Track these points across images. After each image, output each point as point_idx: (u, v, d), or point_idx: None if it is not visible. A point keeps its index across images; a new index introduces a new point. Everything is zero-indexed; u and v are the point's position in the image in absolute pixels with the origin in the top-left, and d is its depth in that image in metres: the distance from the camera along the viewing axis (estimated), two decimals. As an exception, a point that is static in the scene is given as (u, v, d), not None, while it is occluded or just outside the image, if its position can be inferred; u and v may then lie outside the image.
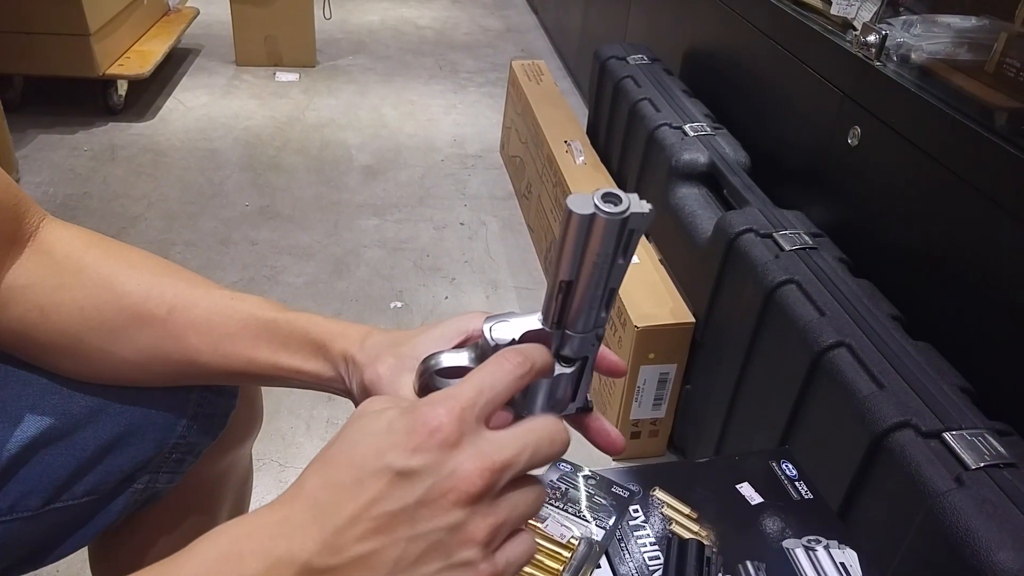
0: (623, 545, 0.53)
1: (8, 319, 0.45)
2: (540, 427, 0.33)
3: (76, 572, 0.96)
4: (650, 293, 1.15)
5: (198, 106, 2.27)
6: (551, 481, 0.54)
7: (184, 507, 0.59)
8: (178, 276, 0.49)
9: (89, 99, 2.15)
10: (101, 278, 0.47)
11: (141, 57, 2.16)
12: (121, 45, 2.14)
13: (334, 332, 0.44)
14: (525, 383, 0.34)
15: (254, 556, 0.29)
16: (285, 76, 2.50)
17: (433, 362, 0.38)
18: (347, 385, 0.43)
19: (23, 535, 0.47)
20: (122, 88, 2.15)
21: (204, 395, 0.52)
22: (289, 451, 1.18)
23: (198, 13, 2.59)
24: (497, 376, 0.33)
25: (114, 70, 2.06)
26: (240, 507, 0.70)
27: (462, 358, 0.38)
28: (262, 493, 1.10)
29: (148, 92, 2.29)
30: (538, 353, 0.34)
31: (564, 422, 0.34)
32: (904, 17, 0.98)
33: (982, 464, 0.64)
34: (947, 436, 0.67)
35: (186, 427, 0.51)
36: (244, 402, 0.57)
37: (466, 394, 0.32)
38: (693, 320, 1.10)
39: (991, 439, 0.66)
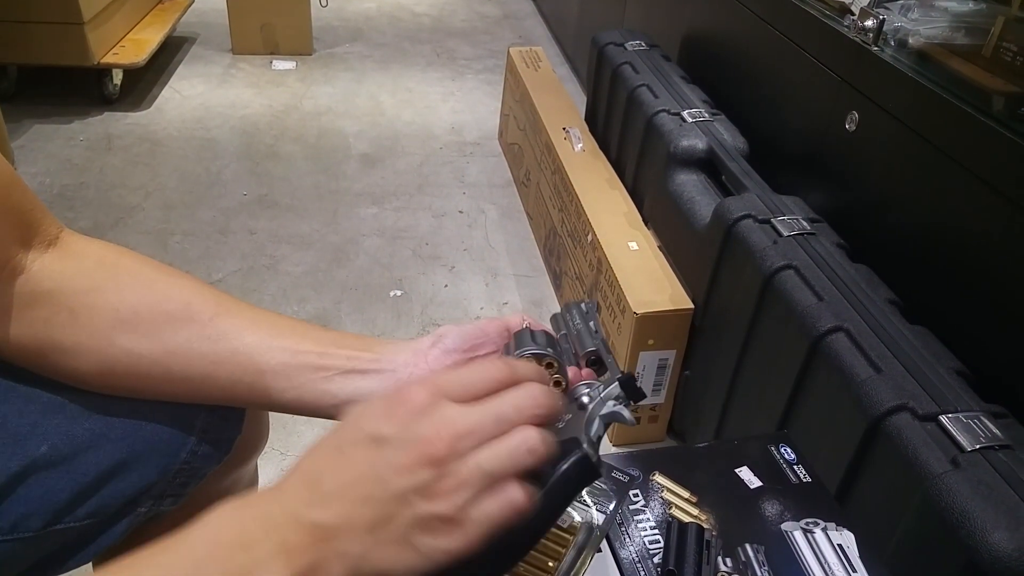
0: (624, 529, 0.53)
1: (32, 321, 0.44)
2: (512, 396, 0.34)
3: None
4: (649, 279, 1.16)
5: (194, 95, 2.26)
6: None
7: (188, 522, 0.59)
8: (217, 291, 0.49)
9: (84, 88, 2.13)
10: (140, 282, 0.46)
11: (136, 46, 2.14)
12: (116, 34, 2.13)
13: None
14: (502, 388, 0.35)
15: (253, 519, 0.32)
16: (282, 64, 2.49)
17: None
18: None
19: (23, 555, 0.47)
20: (117, 77, 2.13)
21: (209, 419, 0.51)
22: (291, 439, 1.19)
23: (193, 1, 2.57)
24: (479, 373, 0.35)
25: (109, 59, 2.05)
26: None
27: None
28: (264, 482, 1.11)
29: (144, 81, 2.28)
30: (527, 373, 0.36)
31: (547, 386, 0.36)
32: (901, 1, 0.98)
33: (978, 446, 0.64)
34: (943, 419, 0.67)
35: (191, 452, 0.50)
36: (250, 421, 0.56)
37: (443, 377, 0.34)
38: (692, 306, 1.10)
39: (987, 421, 0.67)
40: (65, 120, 2.07)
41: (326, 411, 0.46)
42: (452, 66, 2.59)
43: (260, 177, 1.89)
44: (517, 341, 0.46)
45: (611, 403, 0.40)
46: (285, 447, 1.18)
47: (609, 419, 0.40)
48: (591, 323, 0.49)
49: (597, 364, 0.46)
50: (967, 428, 0.66)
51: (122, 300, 0.45)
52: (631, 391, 0.40)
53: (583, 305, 0.50)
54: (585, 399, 0.42)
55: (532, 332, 0.47)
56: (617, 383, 0.41)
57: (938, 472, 0.63)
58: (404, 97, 2.35)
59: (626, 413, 0.40)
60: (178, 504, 0.53)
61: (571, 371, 0.46)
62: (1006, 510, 0.59)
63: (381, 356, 0.46)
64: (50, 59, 2.00)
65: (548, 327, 0.49)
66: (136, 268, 0.48)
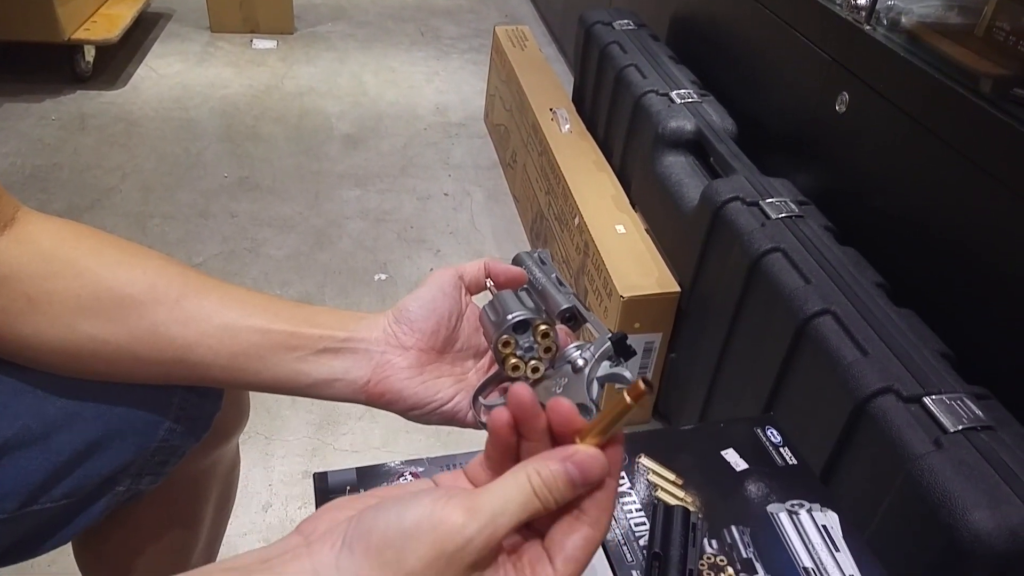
0: (610, 512, 0.53)
1: None
2: None
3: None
4: (636, 263, 1.15)
5: (172, 74, 2.21)
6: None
7: (169, 501, 0.58)
8: (184, 267, 0.47)
9: (56, 66, 2.08)
10: (100, 267, 0.44)
11: (108, 21, 2.08)
12: (87, 8, 2.07)
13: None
14: None
15: None
16: (262, 43, 2.44)
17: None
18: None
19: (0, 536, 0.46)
20: (90, 54, 2.08)
21: (187, 397, 0.50)
22: (274, 424, 1.18)
23: (169, -24, 2.51)
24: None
25: (80, 35, 1.99)
26: (227, 495, 0.69)
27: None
28: (248, 466, 1.10)
29: (117, 59, 2.22)
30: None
31: None
32: (893, -20, 0.97)
33: (960, 427, 0.65)
34: (927, 400, 0.68)
35: (168, 430, 0.49)
36: (230, 399, 0.55)
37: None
38: (679, 289, 1.10)
39: (969, 403, 0.67)
40: (36, 99, 2.01)
41: (302, 391, 0.46)
42: (436, 45, 2.56)
43: (241, 159, 1.86)
44: (503, 305, 0.44)
45: (606, 364, 0.39)
46: (269, 431, 1.17)
47: (608, 380, 0.38)
48: (553, 275, 0.46)
49: (572, 320, 0.44)
50: (950, 410, 0.67)
51: (83, 286, 0.44)
52: (623, 349, 0.39)
53: (536, 254, 0.48)
54: (580, 361, 0.40)
55: (517, 294, 0.45)
56: (609, 343, 0.39)
57: (921, 453, 0.63)
58: (387, 77, 2.32)
59: (627, 372, 0.39)
60: (158, 483, 0.52)
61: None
62: (987, 490, 0.59)
63: (353, 334, 0.45)
64: (19, 35, 1.94)
65: (513, 270, 0.47)
66: (97, 248, 0.46)
